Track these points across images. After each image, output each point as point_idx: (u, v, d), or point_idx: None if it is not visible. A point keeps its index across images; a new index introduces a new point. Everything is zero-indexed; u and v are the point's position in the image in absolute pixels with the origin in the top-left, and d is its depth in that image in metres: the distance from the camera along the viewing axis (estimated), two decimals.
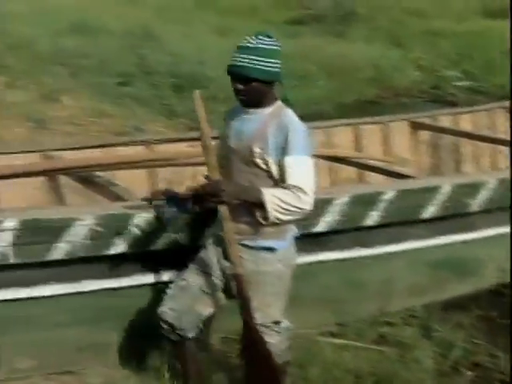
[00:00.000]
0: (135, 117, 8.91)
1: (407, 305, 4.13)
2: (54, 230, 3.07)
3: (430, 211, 3.98)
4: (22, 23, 11.83)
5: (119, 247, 3.22)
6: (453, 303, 4.23)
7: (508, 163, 5.27)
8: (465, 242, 4.27)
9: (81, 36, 11.54)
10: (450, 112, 7.04)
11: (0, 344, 3.22)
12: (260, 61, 2.86)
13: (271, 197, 2.81)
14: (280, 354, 3.07)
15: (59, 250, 3.10)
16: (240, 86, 2.90)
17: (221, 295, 3.14)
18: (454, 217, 4.14)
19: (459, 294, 4.32)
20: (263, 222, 2.91)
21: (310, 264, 3.69)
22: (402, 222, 3.94)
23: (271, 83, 2.94)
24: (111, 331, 3.44)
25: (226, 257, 3.02)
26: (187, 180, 4.78)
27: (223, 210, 2.89)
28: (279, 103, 3.00)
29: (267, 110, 2.97)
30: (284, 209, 2.82)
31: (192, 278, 3.12)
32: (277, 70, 2.92)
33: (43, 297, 3.23)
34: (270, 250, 3.00)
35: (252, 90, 2.90)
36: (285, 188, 2.84)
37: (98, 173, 4.37)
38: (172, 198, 3.07)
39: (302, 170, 2.85)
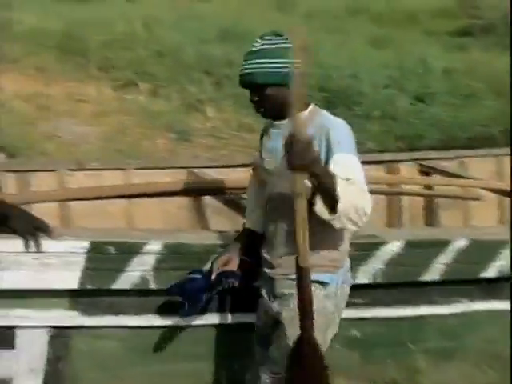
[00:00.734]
0: None
1: None
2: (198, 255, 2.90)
3: None
4: (169, 30, 11.96)
5: None
6: None
7: None
8: None
9: (228, 43, 11.44)
10: None
11: None
12: (264, 63, 2.56)
13: (344, 187, 2.36)
14: None
15: None
16: (254, 97, 2.61)
17: None
18: None
19: None
20: (327, 218, 2.40)
21: None
22: None
23: (288, 86, 2.46)
24: None
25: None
26: None
27: (299, 184, 2.35)
28: (312, 107, 2.66)
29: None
30: (353, 205, 2.37)
31: None
32: (287, 70, 2.52)
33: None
34: (319, 283, 2.62)
35: (267, 98, 2.59)
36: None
37: (243, 195, 4.06)
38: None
39: (353, 165, 2.48)
